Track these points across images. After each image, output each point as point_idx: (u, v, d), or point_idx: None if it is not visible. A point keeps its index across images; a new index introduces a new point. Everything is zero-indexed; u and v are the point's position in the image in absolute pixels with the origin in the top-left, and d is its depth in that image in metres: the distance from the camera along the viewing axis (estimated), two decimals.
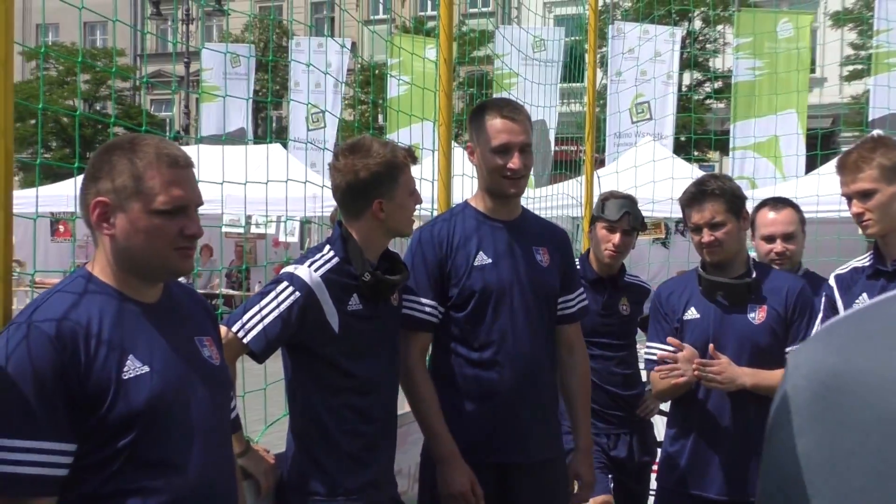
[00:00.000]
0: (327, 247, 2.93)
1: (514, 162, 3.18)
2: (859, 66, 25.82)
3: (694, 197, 3.47)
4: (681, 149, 15.16)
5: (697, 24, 25.93)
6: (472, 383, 3.21)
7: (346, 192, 2.92)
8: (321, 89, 15.12)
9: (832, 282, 3.31)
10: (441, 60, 4.01)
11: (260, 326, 2.72)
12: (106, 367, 1.94)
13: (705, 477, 3.45)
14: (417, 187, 3.05)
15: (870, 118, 14.35)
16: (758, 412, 3.40)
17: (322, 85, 15.10)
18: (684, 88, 23.05)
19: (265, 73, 21.43)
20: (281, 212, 9.89)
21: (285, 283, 2.79)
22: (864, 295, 3.23)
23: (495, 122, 3.20)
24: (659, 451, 4.12)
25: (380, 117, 24.11)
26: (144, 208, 2.02)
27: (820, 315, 3.32)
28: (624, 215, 4.23)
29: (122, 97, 32.27)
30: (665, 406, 4.32)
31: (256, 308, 2.75)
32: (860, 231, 3.31)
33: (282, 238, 13.08)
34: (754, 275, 3.49)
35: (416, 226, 3.19)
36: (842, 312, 3.17)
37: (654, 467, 4.49)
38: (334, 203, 3.07)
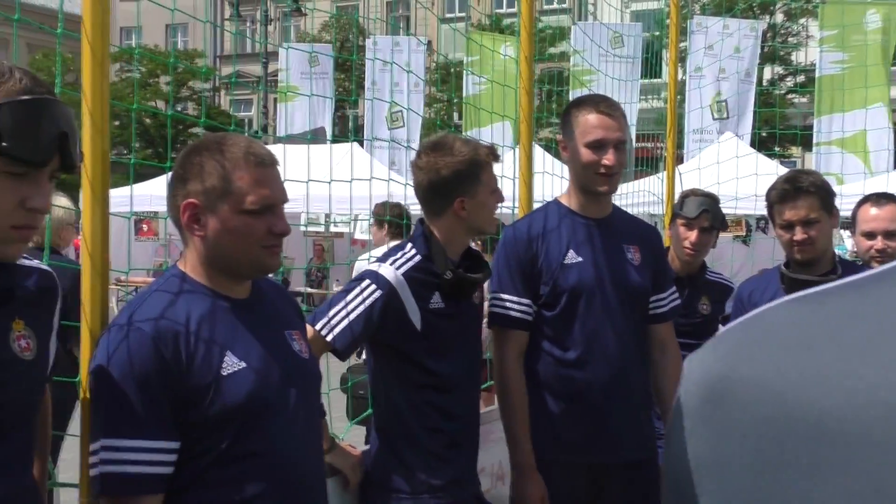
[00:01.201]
0: (409, 245, 2.93)
1: (609, 158, 3.14)
2: None
3: (787, 193, 3.37)
4: (762, 144, 14.88)
5: (779, 17, 25.39)
6: (562, 383, 3.18)
7: (428, 190, 2.91)
8: (400, 88, 15.19)
9: None
10: (522, 58, 3.97)
11: (344, 323, 2.73)
12: (205, 364, 1.98)
13: None
14: (499, 185, 3.03)
15: None
16: None
17: (402, 84, 15.16)
18: (765, 83, 22.61)
19: (341, 73, 21.64)
20: (357, 210, 9.97)
21: (368, 281, 2.79)
22: None
23: (591, 118, 3.16)
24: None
25: (455, 115, 24.16)
26: (234, 208, 2.04)
27: None
28: (702, 213, 4.17)
29: (203, 98, 32.85)
30: None
31: (341, 305, 2.76)
32: None
33: (357, 236, 13.16)
34: (840, 272, 3.40)
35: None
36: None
37: None
38: (414, 201, 3.07)
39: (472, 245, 3.11)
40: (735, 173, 8.08)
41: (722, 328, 0.67)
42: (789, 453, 0.54)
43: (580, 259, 3.19)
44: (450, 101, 23.56)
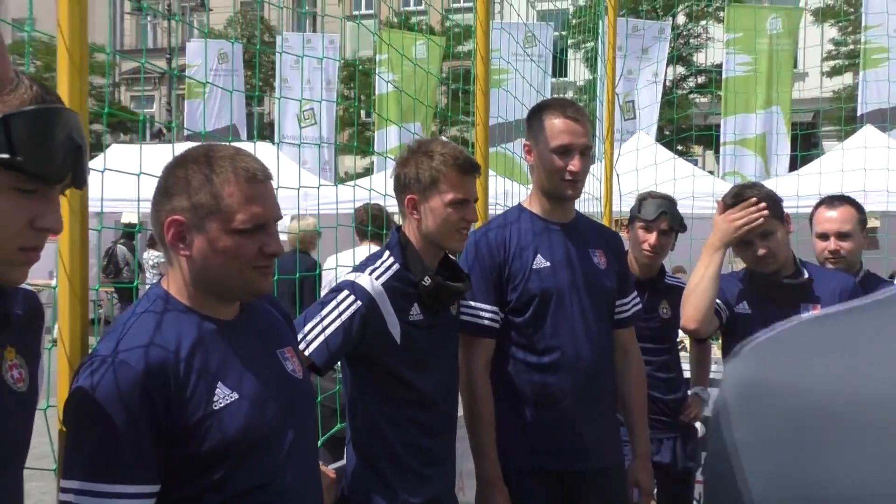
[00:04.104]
0: (386, 253, 2.81)
1: (575, 164, 3.10)
2: (841, 62, 25.94)
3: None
4: (665, 144, 15.12)
5: (681, 19, 25.93)
6: (533, 388, 3.12)
7: (395, 186, 2.85)
8: (312, 86, 14.93)
9: None
10: (478, 58, 3.86)
11: (321, 338, 2.60)
12: (196, 399, 1.82)
13: None
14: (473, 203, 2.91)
15: (859, 112, 14.40)
16: None
17: (314, 82, 14.90)
18: (668, 84, 23.06)
19: (250, 70, 21.21)
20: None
21: (346, 293, 2.66)
22: None
23: (557, 122, 3.12)
24: (704, 456, 4.03)
25: (362, 113, 23.92)
26: (223, 228, 1.88)
27: None
28: (661, 214, 4.13)
29: (101, 93, 31.73)
30: (709, 412, 4.23)
31: (317, 319, 2.62)
32: None
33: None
34: (806, 275, 3.41)
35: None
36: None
37: (699, 475, 4.39)
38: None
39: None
40: (654, 178, 8.12)
41: (756, 337, 0.79)
42: (817, 436, 0.67)
43: (548, 264, 3.15)
44: (357, 98, 23.36)
